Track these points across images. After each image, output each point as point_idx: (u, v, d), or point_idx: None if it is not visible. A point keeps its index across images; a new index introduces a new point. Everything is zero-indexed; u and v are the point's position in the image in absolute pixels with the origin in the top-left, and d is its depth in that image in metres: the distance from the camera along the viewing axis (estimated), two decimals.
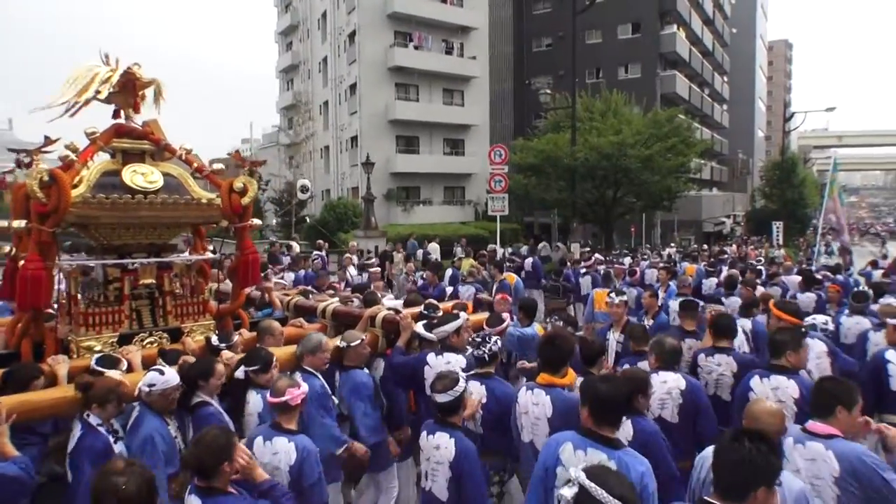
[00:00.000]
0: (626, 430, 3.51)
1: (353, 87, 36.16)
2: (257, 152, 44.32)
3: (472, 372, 4.43)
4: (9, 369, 4.01)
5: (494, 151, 19.65)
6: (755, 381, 4.36)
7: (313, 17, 42.63)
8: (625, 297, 6.84)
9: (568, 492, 2.20)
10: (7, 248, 4.95)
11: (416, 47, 35.98)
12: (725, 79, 59.94)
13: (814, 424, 3.19)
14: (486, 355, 4.37)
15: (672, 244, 34.21)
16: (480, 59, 38.96)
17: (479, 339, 4.51)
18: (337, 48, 38.44)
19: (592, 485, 2.16)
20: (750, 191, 59.27)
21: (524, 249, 22.32)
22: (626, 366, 4.87)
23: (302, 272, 12.74)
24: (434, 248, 21.81)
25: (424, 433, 3.76)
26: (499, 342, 4.60)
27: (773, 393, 4.21)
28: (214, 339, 4.81)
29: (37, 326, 4.60)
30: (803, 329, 5.32)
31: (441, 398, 3.63)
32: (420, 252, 20.71)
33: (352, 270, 13.79)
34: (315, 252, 17.10)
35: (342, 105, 38.26)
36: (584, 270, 13.42)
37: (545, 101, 25.00)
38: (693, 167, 30.32)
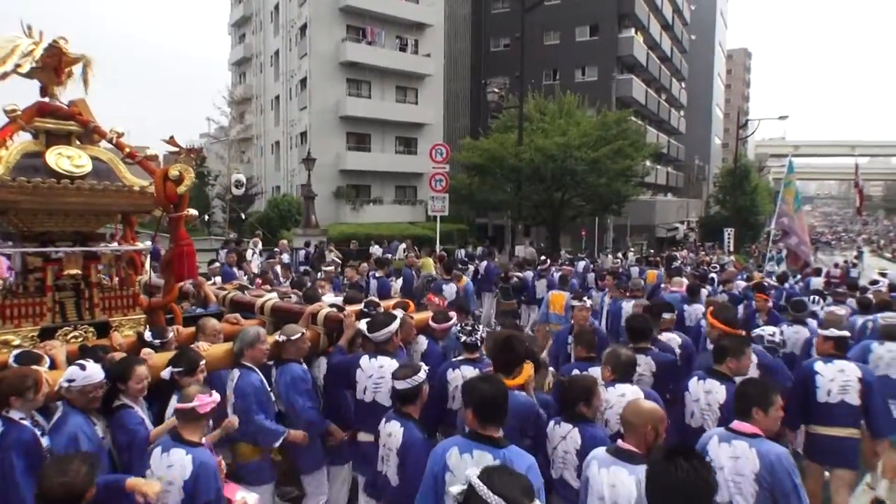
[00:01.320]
0: (573, 440, 3.63)
1: (303, 82, 35.27)
2: (209, 146, 43.07)
3: (462, 357, 4.79)
4: None
5: (435, 150, 19.33)
6: (693, 382, 4.56)
7: (266, 10, 41.68)
8: (589, 303, 6.95)
9: (456, 489, 2.20)
10: None
11: (368, 43, 35.21)
12: (683, 85, 60.30)
13: (739, 424, 3.33)
14: (477, 341, 4.76)
15: (632, 248, 34.11)
16: (435, 57, 38.39)
17: (469, 328, 4.85)
18: (288, 41, 37.56)
19: (478, 482, 2.13)
20: (705, 197, 59.80)
21: (479, 251, 22.29)
22: (575, 371, 4.85)
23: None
24: (401, 248, 21.34)
25: (383, 420, 3.83)
26: (486, 330, 4.98)
27: (706, 395, 4.42)
28: (147, 335, 4.65)
29: None
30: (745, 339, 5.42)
31: (400, 385, 3.67)
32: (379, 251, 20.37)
33: (276, 269, 13.41)
34: (274, 249, 17.25)
35: (293, 100, 37.35)
36: (539, 273, 13.42)
37: (492, 99, 24.54)
38: (641, 171, 30.07)
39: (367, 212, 35.05)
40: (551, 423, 3.87)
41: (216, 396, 3.43)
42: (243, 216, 24.32)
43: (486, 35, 46.25)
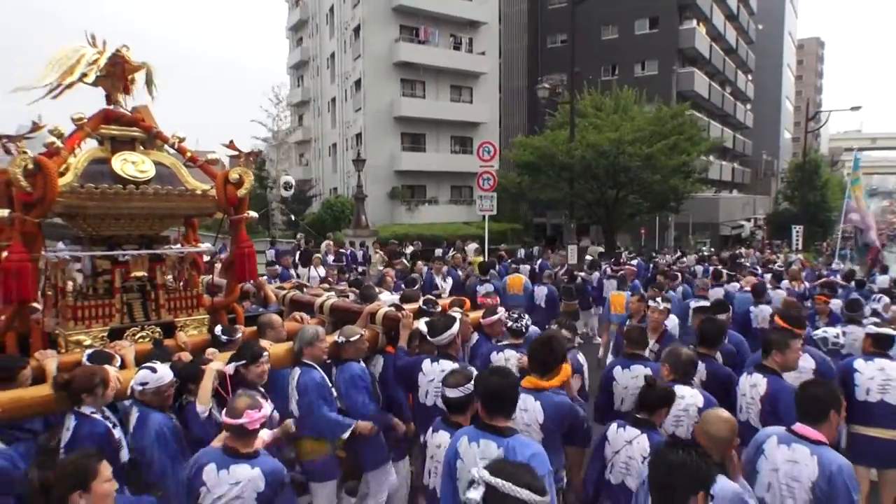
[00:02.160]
0: (641, 446, 3.51)
1: (357, 84, 35.58)
2: (267, 149, 44.13)
3: (507, 342, 5.16)
4: None
5: (483, 148, 19.05)
6: (743, 378, 4.58)
7: (322, 12, 42.26)
8: (668, 305, 6.70)
9: (475, 493, 2.16)
10: None
11: (421, 42, 35.23)
12: (750, 77, 57.92)
13: (803, 428, 3.18)
14: (522, 327, 5.14)
15: (703, 248, 32.99)
16: (490, 55, 38.14)
17: (515, 315, 5.22)
18: (343, 43, 37.95)
19: (498, 480, 2.12)
20: (773, 193, 57.31)
21: (536, 250, 22.18)
22: (618, 367, 4.97)
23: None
24: (472, 249, 21.33)
25: (430, 430, 3.69)
26: (530, 319, 5.35)
27: (750, 389, 4.41)
28: (218, 331, 4.83)
29: (21, 320, 4.46)
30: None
31: (450, 393, 3.47)
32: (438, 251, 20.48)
33: (318, 271, 13.49)
34: (340, 249, 18.19)
35: (348, 102, 37.73)
36: (608, 274, 13.15)
37: (542, 96, 24.03)
38: (699, 166, 28.89)
39: (421, 212, 35.12)
40: (614, 425, 3.76)
41: (266, 410, 3.34)
42: (293, 217, 24.73)
43: (543, 31, 45.48)
